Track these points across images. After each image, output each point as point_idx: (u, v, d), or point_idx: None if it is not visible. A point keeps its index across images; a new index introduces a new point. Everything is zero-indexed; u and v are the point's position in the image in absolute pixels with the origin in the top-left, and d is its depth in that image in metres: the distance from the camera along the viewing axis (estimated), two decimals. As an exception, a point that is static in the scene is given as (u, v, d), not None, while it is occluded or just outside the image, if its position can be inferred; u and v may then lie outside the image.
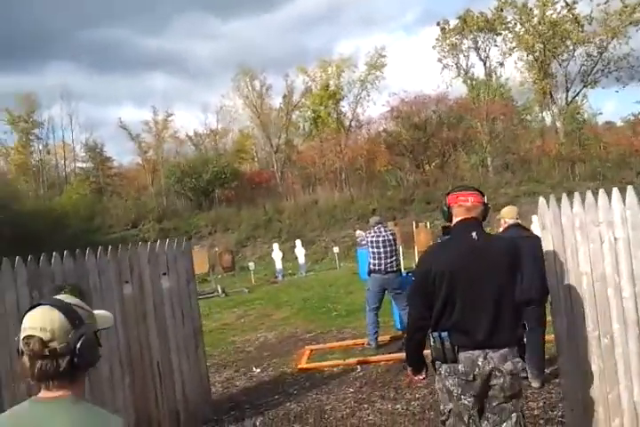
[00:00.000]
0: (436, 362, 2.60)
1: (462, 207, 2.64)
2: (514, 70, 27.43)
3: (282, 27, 47.51)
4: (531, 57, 25.71)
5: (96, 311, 1.55)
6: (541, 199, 3.61)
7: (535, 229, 15.03)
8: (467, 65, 29.05)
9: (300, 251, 14.89)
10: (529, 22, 24.93)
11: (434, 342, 2.53)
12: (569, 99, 26.13)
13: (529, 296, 4.18)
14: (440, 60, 28.90)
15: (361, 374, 5.57)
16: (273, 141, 31.96)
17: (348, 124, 31.57)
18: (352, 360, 6.03)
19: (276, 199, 20.28)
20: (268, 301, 11.21)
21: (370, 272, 6.66)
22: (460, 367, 2.49)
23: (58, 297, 1.50)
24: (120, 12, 48.14)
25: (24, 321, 1.43)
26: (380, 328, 6.73)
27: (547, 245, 3.44)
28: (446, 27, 28.06)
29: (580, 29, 23.85)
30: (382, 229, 6.69)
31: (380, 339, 6.70)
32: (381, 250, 6.56)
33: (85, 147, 35.47)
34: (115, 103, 57.22)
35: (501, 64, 28.03)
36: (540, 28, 24.50)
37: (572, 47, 24.78)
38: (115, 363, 4.18)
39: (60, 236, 17.10)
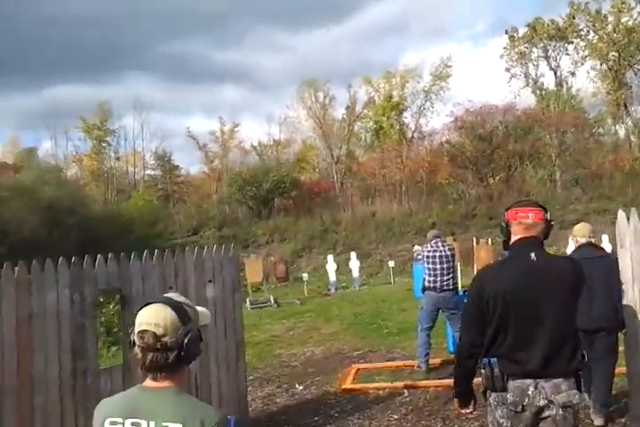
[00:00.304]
0: (487, 391, 2.44)
1: (522, 225, 2.45)
2: (586, 80, 26.16)
3: (348, 39, 47.79)
4: (604, 66, 24.50)
5: (197, 308, 1.71)
6: (620, 213, 3.23)
7: (606, 248, 14.14)
8: (536, 74, 28.08)
9: (354, 264, 14.63)
10: (603, 30, 23.78)
11: (484, 369, 2.39)
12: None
13: (597, 325, 3.81)
14: (508, 70, 28.13)
15: (408, 399, 5.26)
16: (334, 152, 31.93)
17: (410, 135, 31.16)
18: (399, 384, 5.72)
19: (333, 210, 20.16)
20: (318, 314, 11.01)
21: (424, 289, 6.34)
22: (508, 397, 2.33)
23: (168, 295, 1.69)
24: (194, 27, 49.84)
25: (139, 316, 1.59)
26: (431, 350, 6.38)
27: (624, 267, 3.06)
28: (515, 35, 27.23)
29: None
30: (440, 244, 6.36)
31: (430, 362, 6.35)
32: (437, 266, 6.24)
33: (155, 155, 36.74)
34: (185, 114, 59.37)
35: (573, 74, 26.92)
36: (615, 35, 23.30)
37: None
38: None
39: (124, 241, 17.58)
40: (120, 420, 1.57)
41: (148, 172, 37.84)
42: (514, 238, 2.48)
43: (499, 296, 2.33)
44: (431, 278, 6.24)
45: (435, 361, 6.52)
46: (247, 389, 4.69)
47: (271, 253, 17.47)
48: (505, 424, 2.36)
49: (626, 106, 24.68)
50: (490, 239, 14.01)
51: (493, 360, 2.36)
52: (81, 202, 21.72)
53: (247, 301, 12.81)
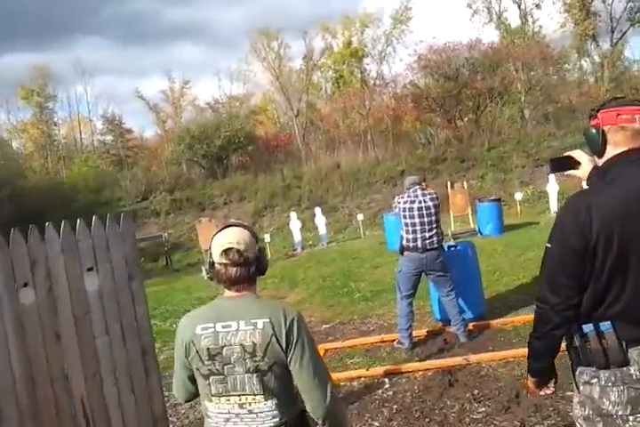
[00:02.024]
0: (583, 371, 1.82)
1: (626, 131, 1.79)
2: (553, 12, 24.68)
3: None
4: (571, -5, 22.95)
5: None
6: None
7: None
8: (499, 9, 26.41)
9: (320, 219, 13.31)
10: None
11: (584, 339, 1.79)
12: (614, 40, 23.40)
13: None
14: (470, 6, 26.38)
15: (390, 393, 4.03)
16: (293, 105, 30.23)
17: (372, 83, 29.54)
18: (378, 370, 4.50)
19: (295, 164, 18.62)
20: (282, 279, 9.74)
21: (402, 250, 5.04)
22: (633, 371, 1.73)
23: (234, 220, 2.05)
24: None
25: (219, 238, 1.82)
26: (414, 321, 5.17)
27: None
28: (477, -35, 25.32)
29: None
30: (419, 193, 5.01)
31: (414, 334, 5.15)
32: (416, 220, 4.92)
33: (104, 119, 34.33)
34: (141, 77, 55.64)
35: (537, 6, 25.28)
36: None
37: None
38: (8, 406, 2.73)
39: (66, 210, 15.89)
40: (211, 324, 1.75)
41: (98, 137, 35.63)
42: (614, 152, 1.81)
43: (614, 232, 1.71)
44: (410, 236, 4.95)
45: (419, 332, 5.34)
46: (166, 409, 3.34)
47: (230, 215, 16.02)
48: (622, 412, 1.72)
49: (594, 37, 23.36)
50: (465, 182, 12.80)
51: (606, 325, 1.75)
52: (17, 173, 19.73)
53: (202, 269, 11.51)
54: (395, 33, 30.12)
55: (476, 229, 11.58)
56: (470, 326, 5.19)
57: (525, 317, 5.38)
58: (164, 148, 30.50)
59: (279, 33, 31.38)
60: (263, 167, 18.43)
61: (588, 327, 1.78)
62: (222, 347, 1.72)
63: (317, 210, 13.53)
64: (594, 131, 1.86)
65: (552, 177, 13.23)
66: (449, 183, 12.32)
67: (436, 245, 4.91)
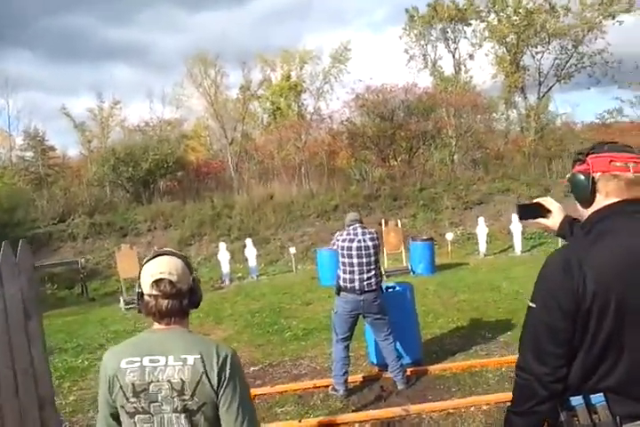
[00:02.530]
0: None
1: (620, 181, 1.60)
2: (484, 63, 26.08)
3: (248, 22, 45.18)
4: (503, 49, 24.34)
5: None
6: None
7: (516, 228, 13.54)
8: (434, 57, 27.63)
9: (250, 251, 12.82)
10: (503, 11, 23.52)
11: (571, 414, 1.52)
12: (541, 93, 24.91)
13: None
14: (407, 51, 27.44)
15: (325, 450, 3.64)
16: (228, 133, 29.93)
17: (308, 117, 29.86)
18: (312, 421, 4.10)
19: (226, 193, 18.08)
20: (207, 313, 9.13)
21: (339, 290, 4.73)
22: None
23: (167, 249, 1.80)
24: (80, 1, 44.48)
25: (149, 268, 1.70)
26: (349, 366, 4.82)
27: None
28: (415, 14, 26.47)
29: (556, 20, 22.57)
30: (359, 231, 4.75)
31: (350, 379, 4.81)
32: (354, 260, 4.64)
33: (25, 134, 32.41)
34: (70, 95, 53.25)
35: (471, 56, 26.66)
36: (515, 17, 23.11)
37: (546, 39, 23.48)
38: None
39: (-29, 230, 14.53)
40: (137, 358, 1.63)
41: (17, 153, 33.55)
42: (603, 202, 1.63)
43: (612, 294, 1.47)
44: (347, 276, 4.66)
45: (354, 378, 5.00)
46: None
47: (154, 243, 15.18)
48: None
49: (523, 89, 24.76)
50: (398, 220, 12.81)
51: (597, 398, 1.51)
52: None
53: (121, 300, 10.69)
54: (333, 72, 30.94)
55: (409, 267, 11.52)
56: (408, 371, 4.92)
57: (462, 363, 5.20)
58: (88, 168, 29.13)
59: (217, 60, 31.31)
60: (192, 194, 17.76)
61: (576, 400, 1.54)
62: (149, 383, 1.60)
63: (248, 241, 13.06)
64: (582, 177, 1.66)
65: (481, 220, 13.53)
66: (383, 221, 12.26)
67: (374, 287, 4.63)
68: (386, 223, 12.19)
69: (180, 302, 1.67)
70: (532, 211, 2.02)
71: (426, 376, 4.98)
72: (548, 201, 2.02)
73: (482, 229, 13.35)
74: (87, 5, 44.48)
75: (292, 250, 13.31)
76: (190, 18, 45.35)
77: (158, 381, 1.60)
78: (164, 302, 1.65)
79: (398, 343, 4.96)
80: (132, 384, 1.61)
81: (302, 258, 14.30)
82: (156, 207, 16.61)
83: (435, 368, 5.11)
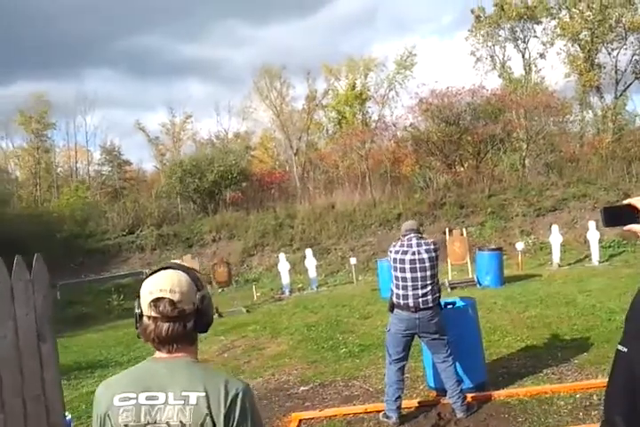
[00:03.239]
0: None
1: None
2: (556, 62, 24.84)
3: (314, 34, 45.78)
4: (576, 46, 23.05)
5: None
6: None
7: (593, 236, 12.57)
8: (503, 57, 26.58)
9: (310, 262, 12.62)
10: (575, 6, 22.29)
11: None
12: (618, 93, 23.36)
13: None
14: (473, 53, 26.54)
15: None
16: (293, 143, 30.15)
17: (373, 126, 29.56)
18: (358, 452, 3.77)
19: (288, 203, 18.05)
20: (264, 325, 8.98)
21: (392, 307, 4.37)
22: None
23: (175, 261, 1.57)
24: (154, 21, 46.71)
25: (148, 285, 1.45)
26: (404, 390, 4.45)
27: None
28: (481, 14, 25.60)
29: (634, 13, 21.13)
30: (414, 242, 4.33)
31: (403, 404, 4.43)
32: (407, 275, 4.25)
33: (103, 149, 34.11)
34: (146, 110, 55.97)
35: (542, 55, 25.42)
36: (588, 13, 21.83)
37: (623, 34, 22.02)
38: None
39: (47, 241, 15.21)
40: (132, 395, 1.40)
41: (95, 167, 35.31)
42: None
43: None
44: (400, 292, 4.28)
45: (409, 403, 4.62)
46: None
47: (218, 253, 15.32)
48: None
49: (599, 88, 23.32)
50: (464, 229, 12.20)
51: None
52: (2, 200, 19.13)
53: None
54: (398, 78, 30.53)
55: (475, 279, 10.90)
56: (469, 397, 4.48)
57: (531, 388, 4.68)
58: (161, 181, 30.18)
59: (282, 72, 31.68)
60: (256, 205, 17.85)
61: None
62: (145, 425, 1.38)
63: (308, 251, 12.87)
64: None
65: (555, 228, 12.67)
66: (447, 230, 11.71)
67: (430, 305, 4.21)
68: (450, 232, 11.63)
69: (184, 325, 1.43)
70: (621, 215, 1.61)
71: (489, 403, 4.51)
72: None
73: (555, 238, 12.49)
74: (161, 24, 46.60)
75: (353, 260, 13.00)
76: (257, 31, 46.46)
77: (155, 422, 1.37)
78: (165, 326, 1.41)
79: (459, 365, 4.52)
80: (125, 426, 1.38)
81: (363, 269, 13.95)
82: (220, 218, 16.80)
83: (499, 394, 4.63)
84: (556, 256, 12.44)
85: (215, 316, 10.33)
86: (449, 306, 4.86)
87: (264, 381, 5.97)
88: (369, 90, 31.37)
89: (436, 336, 4.26)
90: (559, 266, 12.26)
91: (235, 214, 17.00)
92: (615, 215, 1.65)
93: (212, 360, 7.19)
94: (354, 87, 31.12)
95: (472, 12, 26.10)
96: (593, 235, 12.26)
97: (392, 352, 4.38)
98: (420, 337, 4.35)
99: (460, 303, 4.95)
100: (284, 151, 33.02)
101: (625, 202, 1.65)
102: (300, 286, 13.15)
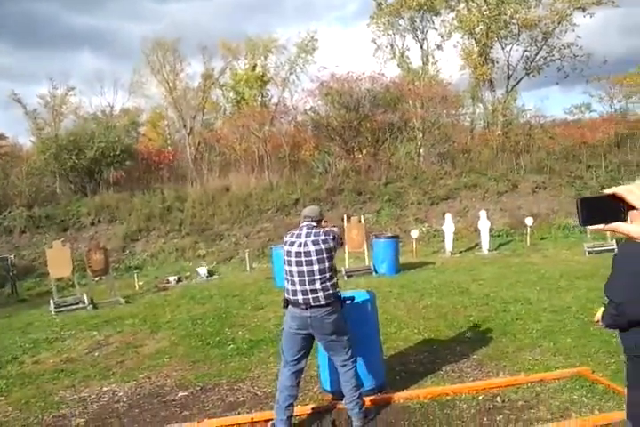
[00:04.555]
0: None
1: None
2: (452, 55, 25.46)
3: (216, 14, 43.76)
4: (472, 40, 23.72)
5: None
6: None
7: (484, 225, 12.85)
8: (402, 47, 26.86)
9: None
10: (474, 0, 22.86)
11: None
12: (509, 87, 24.41)
13: None
14: (374, 41, 26.56)
15: None
16: (187, 122, 28.65)
17: (273, 109, 28.81)
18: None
19: (179, 185, 16.89)
20: (144, 319, 8.09)
21: (286, 303, 3.80)
22: None
23: None
24: None
25: None
26: (296, 397, 3.90)
27: None
28: (383, 2, 25.60)
29: (527, 11, 22.04)
30: (304, 232, 3.79)
31: (296, 411, 3.89)
32: (294, 268, 3.71)
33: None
34: (29, 82, 50.64)
35: (439, 47, 25.96)
36: (485, 7, 22.49)
37: (516, 31, 22.94)
38: None
39: None
40: None
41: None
42: None
43: None
44: (289, 287, 3.76)
45: (302, 410, 4.09)
46: None
47: (97, 238, 13.95)
48: None
49: (491, 82, 24.21)
50: (362, 216, 11.94)
51: None
52: None
53: (51, 303, 9.51)
54: (299, 62, 30.03)
55: (372, 267, 10.68)
56: (368, 400, 4.04)
57: (432, 389, 4.34)
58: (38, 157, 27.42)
59: (176, 46, 29.91)
60: (142, 186, 16.50)
61: None
62: None
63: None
64: None
65: (448, 216, 12.80)
66: (345, 217, 11.38)
67: (322, 302, 3.67)
68: (348, 219, 11.32)
69: None
70: (603, 208, 1.12)
71: (388, 407, 4.10)
72: (626, 189, 1.12)
73: (448, 226, 12.61)
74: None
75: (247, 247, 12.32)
76: (158, 7, 43.72)
77: None
78: None
79: (358, 366, 4.06)
80: None
81: (258, 256, 13.33)
82: (100, 199, 15.32)
83: (399, 396, 4.23)
84: (448, 244, 12.58)
85: (89, 307, 9.31)
86: (347, 301, 4.36)
87: (137, 385, 5.19)
88: (269, 72, 30.65)
89: (333, 338, 3.75)
90: (451, 254, 12.41)
91: (117, 196, 15.59)
92: (595, 209, 1.15)
93: (79, 360, 6.26)
94: (254, 68, 30.29)
95: (374, -2, 26.05)
96: (484, 224, 12.52)
97: (286, 354, 3.82)
98: (316, 337, 3.81)
99: (359, 298, 4.46)
100: (176, 130, 31.42)
101: (607, 191, 1.17)
102: (188, 273, 12.27)
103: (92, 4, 43.77)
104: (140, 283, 11.41)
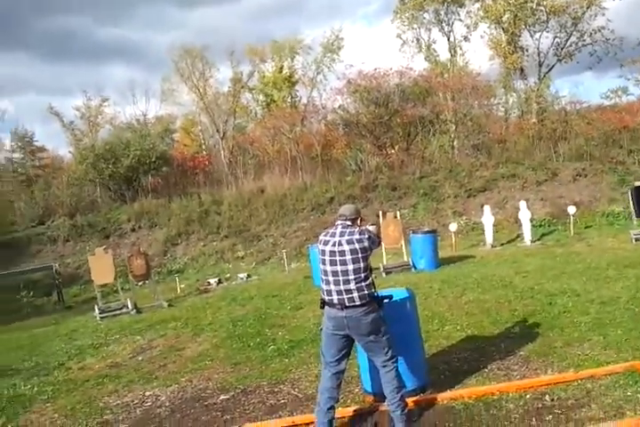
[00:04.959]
0: None
1: None
2: (480, 45, 24.97)
3: (242, 18, 44.26)
4: (500, 29, 23.17)
5: None
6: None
7: (524, 216, 12.52)
8: (429, 40, 26.46)
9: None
10: (499, -11, 22.33)
11: None
12: (541, 75, 23.76)
13: None
14: (399, 36, 26.23)
15: None
16: (220, 127, 29.01)
17: (302, 109, 28.88)
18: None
19: (215, 189, 17.08)
20: (186, 322, 8.19)
21: (322, 304, 3.75)
22: None
23: None
24: (77, 2, 43.43)
25: None
26: (338, 399, 3.84)
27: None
28: (406, -4, 25.25)
29: (555, -4, 21.38)
30: (339, 231, 3.72)
31: (337, 413, 3.83)
32: (328, 268, 3.64)
33: (14, 136, 31.47)
34: (65, 95, 52.40)
35: (466, 38, 25.47)
36: (511, -5, 21.92)
37: (544, 17, 22.30)
38: None
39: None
40: None
41: (5, 155, 32.61)
42: None
43: None
44: (324, 287, 3.70)
45: (343, 411, 4.03)
46: None
47: (138, 243, 14.23)
48: None
49: (523, 71, 23.60)
50: (397, 212, 11.79)
51: None
52: None
53: (95, 309, 9.74)
54: (325, 61, 30.01)
55: (410, 262, 10.53)
56: (410, 402, 3.94)
57: (477, 389, 4.21)
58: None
59: (204, 52, 30.31)
60: (179, 191, 16.76)
61: None
62: None
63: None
64: None
65: (487, 208, 12.53)
66: (380, 213, 11.26)
67: (357, 302, 3.59)
68: (384, 215, 11.19)
69: None
70: None
71: (432, 409, 4.00)
72: None
73: (488, 218, 12.35)
74: (81, 5, 43.66)
75: (285, 247, 12.35)
76: (184, 15, 44.47)
77: None
78: None
79: (399, 367, 3.95)
80: None
81: (296, 255, 13.34)
82: (140, 206, 15.64)
83: (443, 397, 4.12)
84: (488, 237, 12.31)
85: (133, 312, 9.48)
86: (385, 300, 4.27)
87: (179, 389, 5.24)
88: (296, 73, 30.76)
89: (371, 338, 3.66)
90: (492, 246, 12.14)
91: (155, 201, 15.88)
92: None
93: (123, 365, 6.37)
94: (281, 70, 30.35)
95: (397, -8, 25.71)
96: (524, 214, 12.20)
97: (326, 355, 3.77)
98: (355, 339, 3.74)
99: (397, 296, 4.35)
100: (210, 136, 31.83)
101: None
102: (228, 275, 12.38)
103: (121, 16, 44.79)
104: (182, 286, 11.58)
